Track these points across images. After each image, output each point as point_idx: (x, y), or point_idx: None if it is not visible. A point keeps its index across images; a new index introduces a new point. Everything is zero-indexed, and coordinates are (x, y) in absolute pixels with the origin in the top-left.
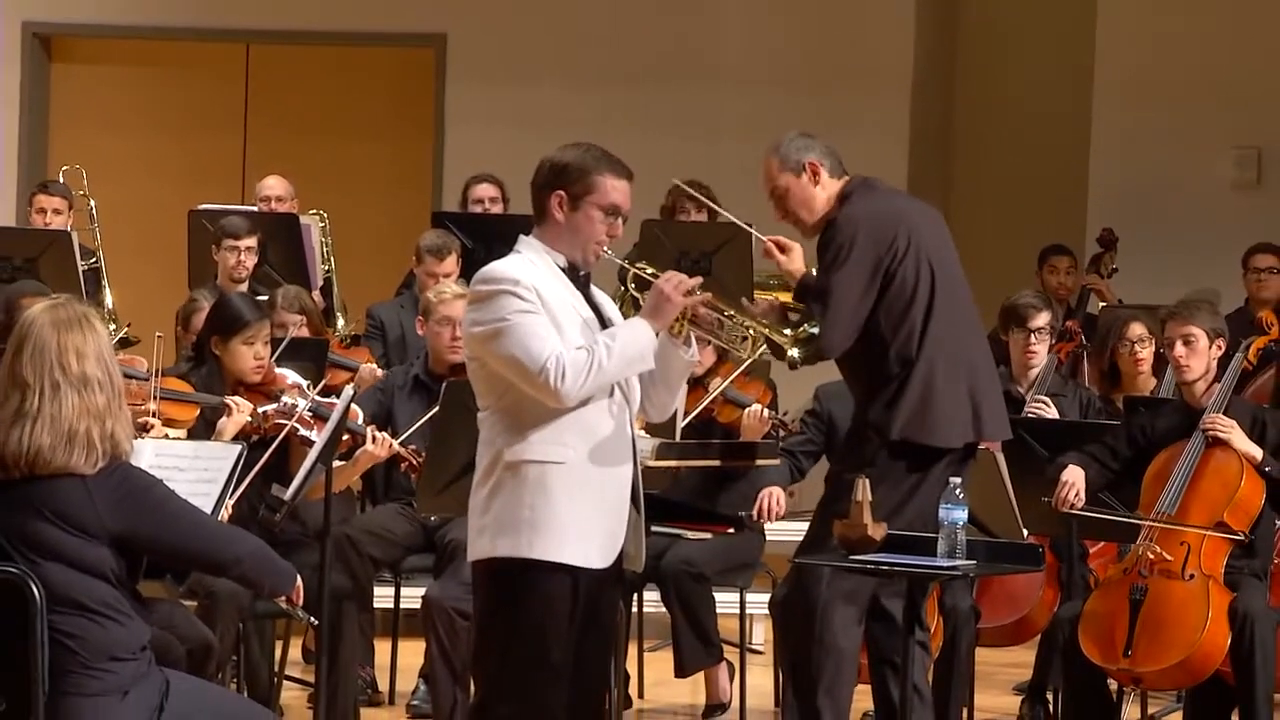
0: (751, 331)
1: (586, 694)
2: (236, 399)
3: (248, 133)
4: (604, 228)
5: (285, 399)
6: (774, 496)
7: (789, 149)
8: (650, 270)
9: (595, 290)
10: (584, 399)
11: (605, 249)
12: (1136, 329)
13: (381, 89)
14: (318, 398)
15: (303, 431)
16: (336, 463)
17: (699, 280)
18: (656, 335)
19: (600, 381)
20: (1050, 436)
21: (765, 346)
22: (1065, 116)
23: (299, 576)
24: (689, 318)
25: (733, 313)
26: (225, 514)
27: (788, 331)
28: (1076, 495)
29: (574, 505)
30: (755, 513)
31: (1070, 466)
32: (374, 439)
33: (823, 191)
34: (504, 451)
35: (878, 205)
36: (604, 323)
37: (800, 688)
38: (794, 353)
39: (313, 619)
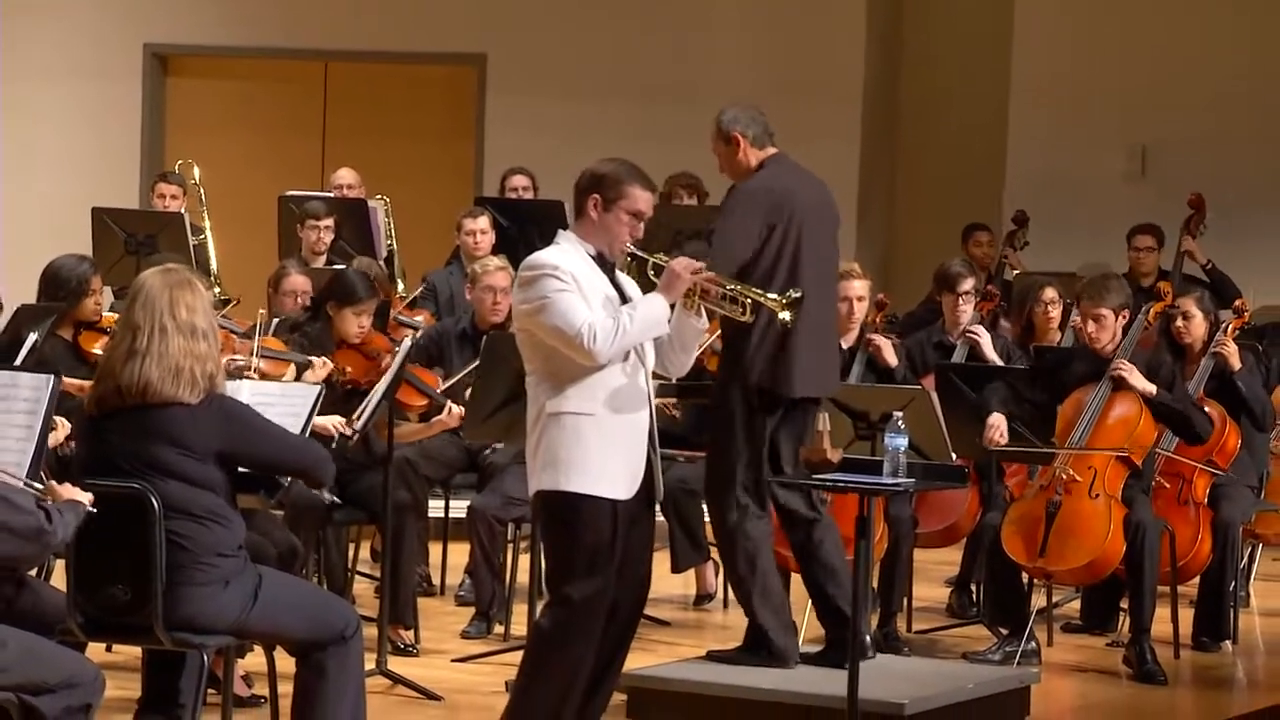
0: (749, 299)
1: (632, 589)
2: (322, 359)
3: (326, 134)
4: (628, 228)
5: (383, 358)
6: None
7: (724, 119)
8: (665, 258)
9: (620, 274)
10: (613, 359)
11: (629, 245)
12: (1049, 293)
13: (434, 99)
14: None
15: None
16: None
17: (704, 264)
18: (671, 307)
19: (625, 343)
20: (974, 377)
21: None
22: (987, 120)
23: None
24: (699, 293)
25: (733, 286)
26: None
27: (775, 296)
28: (1001, 435)
29: (601, 448)
30: None
31: (994, 414)
32: (449, 411)
33: (744, 157)
34: (546, 405)
35: (772, 182)
36: (625, 300)
37: (742, 602)
38: (784, 315)
39: (336, 499)
